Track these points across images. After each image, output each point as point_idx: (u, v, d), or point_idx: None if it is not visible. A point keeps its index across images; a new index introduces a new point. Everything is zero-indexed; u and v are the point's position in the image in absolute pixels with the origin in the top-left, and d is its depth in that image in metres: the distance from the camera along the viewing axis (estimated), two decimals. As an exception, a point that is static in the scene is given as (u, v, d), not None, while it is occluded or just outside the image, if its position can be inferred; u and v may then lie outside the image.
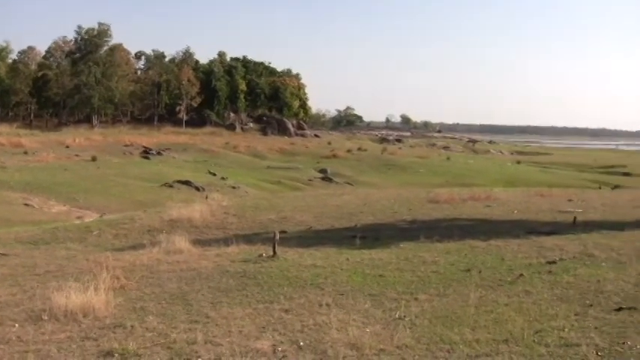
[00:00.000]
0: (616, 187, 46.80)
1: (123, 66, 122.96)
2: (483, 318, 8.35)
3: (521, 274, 10.79)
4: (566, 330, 7.70)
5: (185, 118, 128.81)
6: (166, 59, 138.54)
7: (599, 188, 39.96)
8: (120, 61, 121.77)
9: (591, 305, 8.74)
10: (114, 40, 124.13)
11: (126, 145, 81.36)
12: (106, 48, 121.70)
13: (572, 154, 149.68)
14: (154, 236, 17.26)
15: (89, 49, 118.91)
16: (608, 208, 19.86)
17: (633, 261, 11.34)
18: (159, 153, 77.01)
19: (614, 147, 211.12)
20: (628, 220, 16.53)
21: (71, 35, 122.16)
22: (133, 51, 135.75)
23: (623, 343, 7.15)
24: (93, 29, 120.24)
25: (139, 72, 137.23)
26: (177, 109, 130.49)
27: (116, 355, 7.26)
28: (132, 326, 8.32)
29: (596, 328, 7.75)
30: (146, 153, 75.34)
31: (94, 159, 65.28)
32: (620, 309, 8.44)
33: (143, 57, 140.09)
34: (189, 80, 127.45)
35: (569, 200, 22.47)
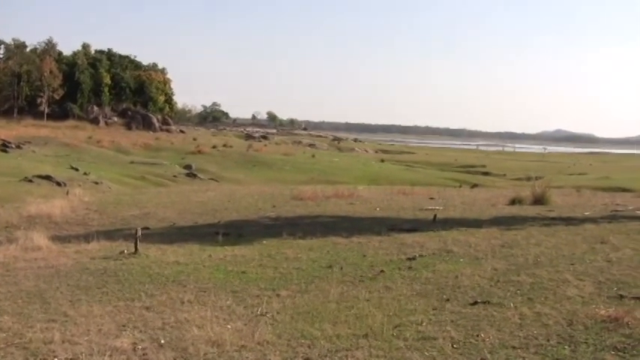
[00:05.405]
0: (475, 185, 48.16)
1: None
2: (344, 313, 8.46)
3: (382, 270, 11.00)
4: (424, 324, 7.89)
5: (47, 110, 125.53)
6: (27, 49, 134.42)
7: (460, 187, 41.04)
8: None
9: (448, 300, 8.98)
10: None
11: (-17, 138, 78.44)
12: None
13: (435, 153, 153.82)
14: (11, 233, 16.67)
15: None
16: (467, 206, 20.43)
17: (489, 257, 11.74)
18: (18, 146, 74.58)
19: (474, 147, 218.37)
20: (485, 218, 17.04)
21: None
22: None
23: (477, 335, 7.39)
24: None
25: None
26: (39, 101, 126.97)
27: (-32, 356, 6.99)
28: (-15, 326, 8.02)
29: (452, 321, 7.97)
30: (4, 146, 72.73)
31: (-53, 152, 62.84)
32: (475, 303, 8.71)
33: (2, 46, 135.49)
34: (51, 72, 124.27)
35: (431, 198, 23.02)
